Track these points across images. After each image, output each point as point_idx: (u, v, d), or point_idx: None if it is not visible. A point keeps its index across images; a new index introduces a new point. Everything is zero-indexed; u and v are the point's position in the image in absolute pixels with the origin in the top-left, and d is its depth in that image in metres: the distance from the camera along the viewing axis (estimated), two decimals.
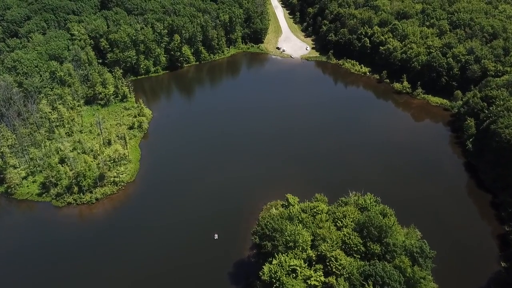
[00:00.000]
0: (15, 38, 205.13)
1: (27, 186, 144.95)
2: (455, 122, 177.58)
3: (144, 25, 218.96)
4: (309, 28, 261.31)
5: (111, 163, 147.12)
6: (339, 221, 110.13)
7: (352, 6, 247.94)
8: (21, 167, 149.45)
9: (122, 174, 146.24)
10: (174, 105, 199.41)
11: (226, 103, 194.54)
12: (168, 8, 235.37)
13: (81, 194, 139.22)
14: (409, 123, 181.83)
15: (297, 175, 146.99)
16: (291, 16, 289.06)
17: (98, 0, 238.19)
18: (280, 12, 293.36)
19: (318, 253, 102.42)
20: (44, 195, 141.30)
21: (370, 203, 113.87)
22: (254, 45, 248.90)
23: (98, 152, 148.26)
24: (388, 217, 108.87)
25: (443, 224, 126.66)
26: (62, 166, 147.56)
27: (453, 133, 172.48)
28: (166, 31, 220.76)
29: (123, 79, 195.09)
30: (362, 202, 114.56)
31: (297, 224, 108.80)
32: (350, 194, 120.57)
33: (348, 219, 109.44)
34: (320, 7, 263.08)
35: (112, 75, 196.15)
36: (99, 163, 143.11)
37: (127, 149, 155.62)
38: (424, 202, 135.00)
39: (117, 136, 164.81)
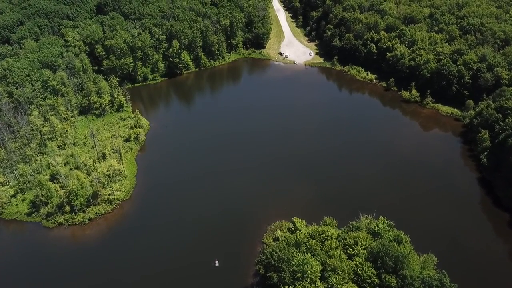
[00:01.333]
0: (6, 44, 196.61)
1: (16, 204, 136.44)
2: (467, 133, 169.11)
3: (141, 31, 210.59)
4: (313, 33, 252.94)
5: (105, 179, 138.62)
6: (350, 249, 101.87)
7: (357, 10, 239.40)
8: (10, 184, 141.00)
9: (117, 192, 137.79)
10: (173, 115, 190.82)
11: (227, 112, 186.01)
12: (167, 13, 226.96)
13: (73, 214, 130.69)
14: (419, 134, 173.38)
15: (302, 192, 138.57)
16: (293, 20, 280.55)
17: (94, 4, 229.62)
18: (282, 16, 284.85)
19: (329, 285, 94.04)
20: (34, 214, 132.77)
21: (383, 228, 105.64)
22: (256, 51, 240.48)
23: (92, 168, 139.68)
24: (404, 244, 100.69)
25: (460, 248, 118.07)
26: (54, 182, 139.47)
27: (466, 145, 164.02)
28: (164, 36, 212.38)
29: (119, 87, 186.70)
30: (374, 227, 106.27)
31: (305, 252, 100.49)
32: (361, 217, 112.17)
33: (360, 247, 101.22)
34: (324, 10, 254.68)
35: (108, 83, 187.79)
36: (92, 181, 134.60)
37: (122, 164, 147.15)
38: (439, 222, 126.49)
39: (113, 149, 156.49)
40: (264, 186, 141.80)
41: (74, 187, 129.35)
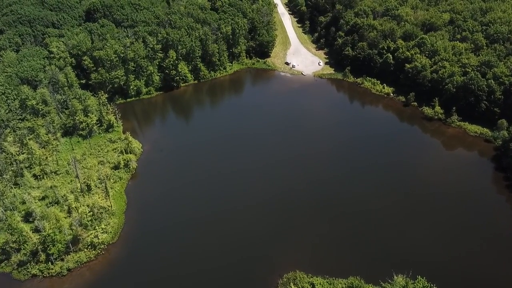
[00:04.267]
0: None
1: None
2: (501, 158, 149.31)
3: (134, 40, 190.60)
4: (321, 40, 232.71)
5: (88, 220, 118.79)
6: None
7: (370, 16, 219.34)
8: None
9: (102, 234, 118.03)
10: (169, 135, 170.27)
11: (229, 132, 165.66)
12: (163, 19, 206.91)
13: (49, 263, 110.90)
14: (445, 157, 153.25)
15: (316, 233, 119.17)
16: (299, 25, 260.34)
17: (83, 10, 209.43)
18: (287, 20, 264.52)
19: None
20: (3, 263, 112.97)
21: None
22: (260, 60, 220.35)
23: (73, 205, 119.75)
24: None
25: None
26: (30, 221, 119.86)
27: (500, 172, 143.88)
28: (160, 46, 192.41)
29: (108, 105, 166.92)
30: None
31: None
32: (395, 277, 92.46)
33: None
34: (334, 16, 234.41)
35: (97, 99, 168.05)
36: (71, 223, 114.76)
37: (109, 199, 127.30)
38: (483, 273, 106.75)
39: (99, 179, 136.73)
40: (274, 226, 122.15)
41: (50, 231, 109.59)
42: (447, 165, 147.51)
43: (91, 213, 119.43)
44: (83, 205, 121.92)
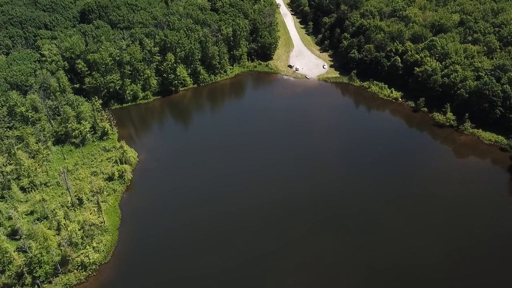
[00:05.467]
0: None
1: None
2: None
3: (130, 42, 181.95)
4: (325, 42, 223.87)
5: (79, 238, 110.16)
6: None
7: (377, 17, 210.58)
8: None
9: (93, 253, 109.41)
10: (166, 142, 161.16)
11: (230, 140, 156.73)
12: (161, 20, 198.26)
13: (36, 286, 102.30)
14: (459, 167, 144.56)
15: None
16: (302, 26, 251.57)
17: (78, 10, 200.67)
18: (290, 21, 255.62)
19: None
20: None
21: None
22: (262, 63, 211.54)
23: (62, 222, 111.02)
24: None
25: None
26: (16, 239, 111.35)
27: None
28: (157, 48, 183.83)
29: (103, 111, 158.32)
30: None
31: None
32: None
33: None
34: (338, 16, 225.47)
35: (91, 105, 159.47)
36: (60, 243, 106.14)
37: (101, 214, 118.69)
38: None
39: (92, 192, 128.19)
40: (278, 242, 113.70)
41: (37, 252, 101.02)
42: (463, 176, 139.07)
43: (82, 230, 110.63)
44: (74, 222, 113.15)
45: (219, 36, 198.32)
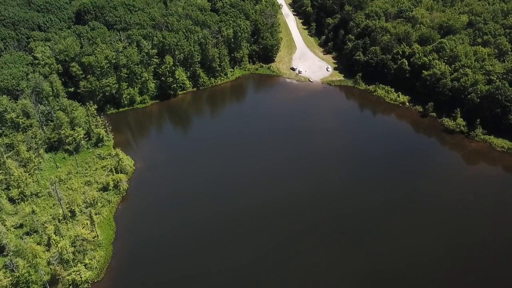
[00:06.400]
0: None
1: None
2: None
3: (127, 44, 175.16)
4: (329, 43, 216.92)
5: (70, 255, 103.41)
6: None
7: (382, 18, 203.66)
8: None
9: (85, 271, 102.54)
10: (164, 149, 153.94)
11: (230, 146, 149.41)
12: (159, 21, 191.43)
13: None
14: (469, 176, 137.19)
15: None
16: (305, 27, 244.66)
17: (73, 11, 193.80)
18: (292, 22, 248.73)
19: None
20: None
21: None
22: (264, 65, 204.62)
23: (52, 238, 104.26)
24: None
25: None
26: (3, 256, 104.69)
27: None
28: (155, 50, 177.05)
29: (98, 117, 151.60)
30: None
31: None
32: None
33: None
34: (342, 17, 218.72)
35: (85, 110, 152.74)
36: (49, 261, 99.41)
37: (95, 228, 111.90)
38: None
39: (85, 203, 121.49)
40: (282, 260, 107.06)
41: (24, 271, 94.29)
42: (476, 187, 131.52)
43: (73, 247, 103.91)
44: (65, 237, 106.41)
45: (220, 38, 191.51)
